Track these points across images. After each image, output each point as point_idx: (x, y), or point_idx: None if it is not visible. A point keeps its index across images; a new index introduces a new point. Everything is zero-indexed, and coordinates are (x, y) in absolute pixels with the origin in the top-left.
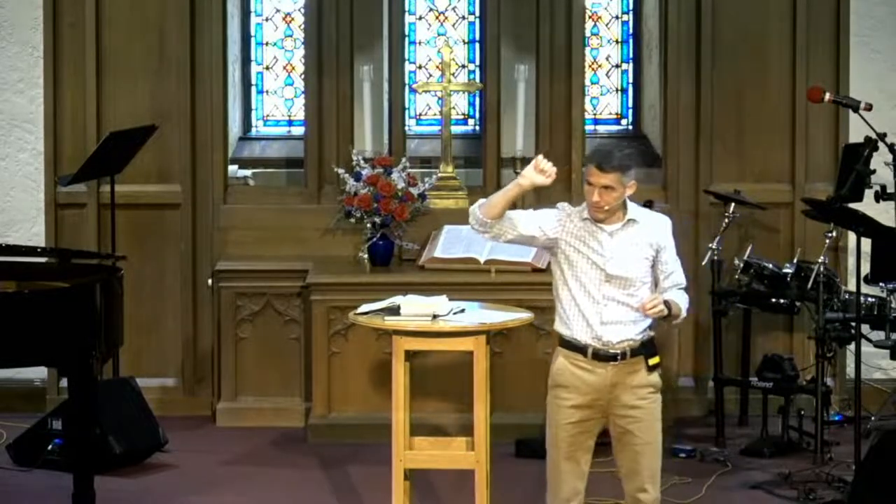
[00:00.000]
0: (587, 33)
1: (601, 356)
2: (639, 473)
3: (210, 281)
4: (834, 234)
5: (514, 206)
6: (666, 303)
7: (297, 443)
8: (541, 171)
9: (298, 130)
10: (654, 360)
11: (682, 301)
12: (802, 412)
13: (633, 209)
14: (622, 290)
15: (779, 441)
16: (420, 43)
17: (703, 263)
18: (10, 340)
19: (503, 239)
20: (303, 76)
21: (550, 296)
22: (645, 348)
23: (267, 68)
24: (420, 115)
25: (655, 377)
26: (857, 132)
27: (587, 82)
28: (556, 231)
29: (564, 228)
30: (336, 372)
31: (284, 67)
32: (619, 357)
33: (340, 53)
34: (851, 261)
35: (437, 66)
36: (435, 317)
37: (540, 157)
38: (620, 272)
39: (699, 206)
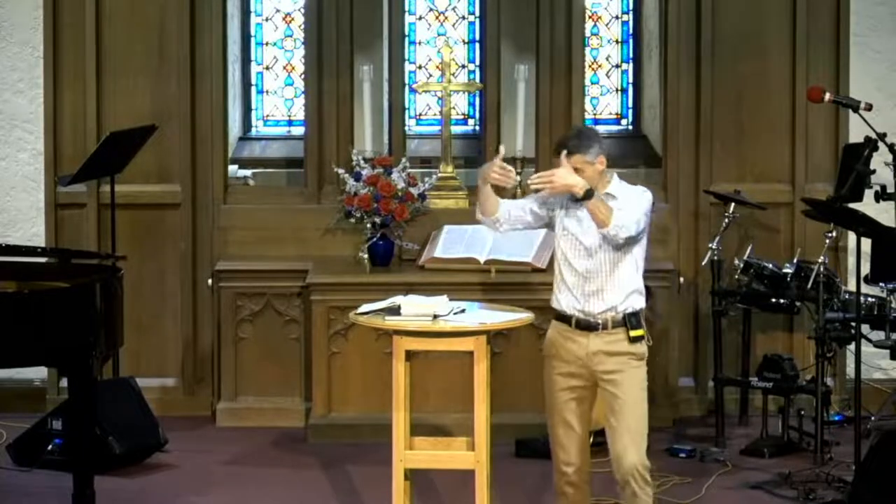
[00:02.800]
0: (587, 33)
1: (583, 325)
2: (620, 434)
3: (210, 281)
4: (834, 234)
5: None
6: (589, 189)
7: (297, 443)
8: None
9: (298, 130)
10: (636, 333)
11: (616, 213)
12: (802, 412)
13: (615, 186)
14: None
15: (779, 441)
16: (420, 43)
17: (703, 263)
18: (10, 340)
19: (520, 225)
20: (303, 76)
21: (550, 296)
22: (627, 320)
23: (267, 68)
24: (420, 115)
25: (638, 347)
26: (857, 132)
27: (587, 82)
28: (553, 206)
29: (559, 205)
30: (336, 372)
31: (284, 67)
32: (600, 327)
33: (340, 53)
34: (851, 261)
35: (437, 66)
36: (435, 317)
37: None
38: (595, 240)
39: (699, 206)
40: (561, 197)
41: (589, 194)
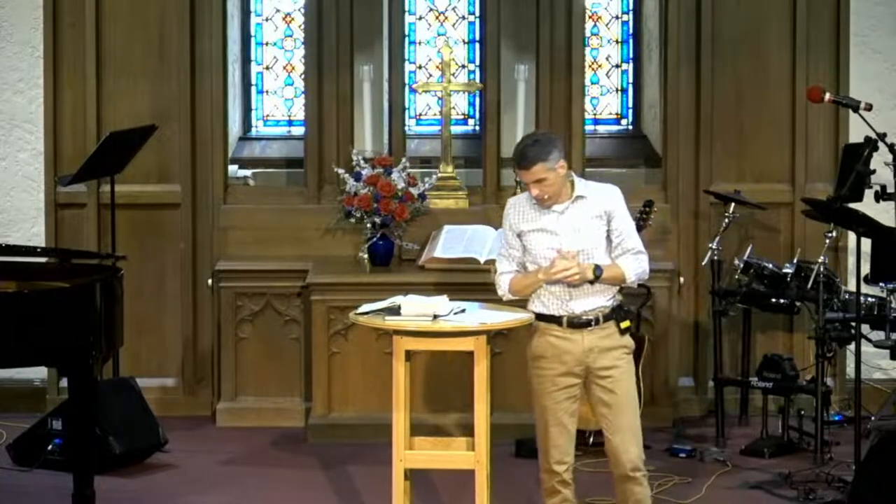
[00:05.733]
0: (587, 33)
1: (575, 324)
2: (621, 431)
3: (210, 281)
4: (834, 234)
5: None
6: (597, 268)
7: (297, 443)
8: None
9: (298, 130)
10: (625, 324)
11: (627, 266)
12: (802, 412)
13: (581, 185)
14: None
15: (779, 441)
16: (420, 43)
17: (703, 263)
18: (10, 340)
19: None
20: (303, 76)
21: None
22: (616, 313)
23: (267, 68)
24: (420, 115)
25: (627, 339)
26: (857, 132)
27: (587, 82)
28: (517, 227)
29: (519, 218)
30: (336, 372)
31: (284, 67)
32: (592, 323)
33: (340, 53)
34: (851, 261)
35: (437, 66)
36: (435, 317)
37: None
38: (575, 247)
39: (699, 206)
40: (524, 211)
41: (598, 273)
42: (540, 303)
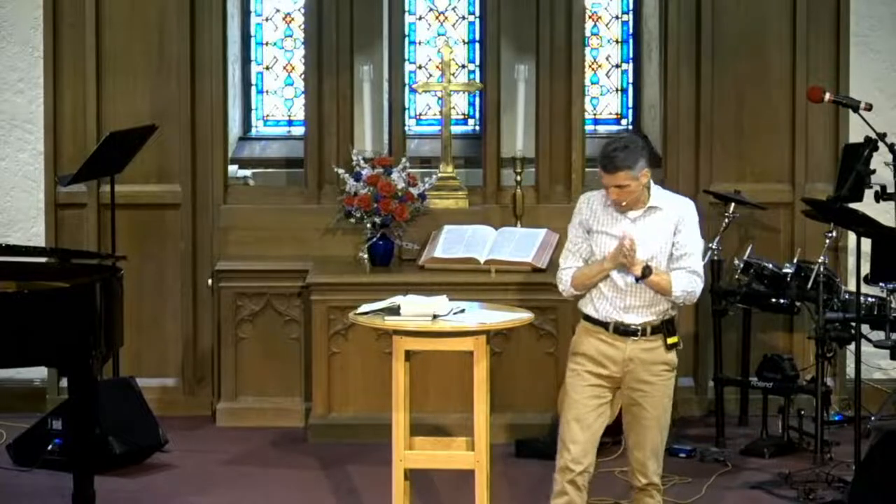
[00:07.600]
0: (587, 33)
1: (621, 331)
2: (643, 447)
3: (210, 281)
4: (834, 234)
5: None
6: (647, 267)
7: (297, 443)
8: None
9: (298, 130)
10: (672, 340)
11: (677, 279)
12: (802, 412)
13: (657, 195)
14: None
15: (779, 441)
16: (420, 43)
17: (703, 263)
18: (10, 340)
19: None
20: (303, 76)
21: (550, 296)
22: (665, 327)
23: (267, 68)
24: (420, 115)
25: (672, 356)
26: (857, 132)
27: (587, 82)
28: (587, 224)
29: (591, 216)
30: (336, 372)
31: (284, 67)
32: (638, 333)
33: (340, 53)
34: (851, 261)
35: (437, 66)
36: (435, 317)
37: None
38: (642, 258)
39: (699, 206)
40: (597, 211)
41: (646, 273)
42: (592, 307)
